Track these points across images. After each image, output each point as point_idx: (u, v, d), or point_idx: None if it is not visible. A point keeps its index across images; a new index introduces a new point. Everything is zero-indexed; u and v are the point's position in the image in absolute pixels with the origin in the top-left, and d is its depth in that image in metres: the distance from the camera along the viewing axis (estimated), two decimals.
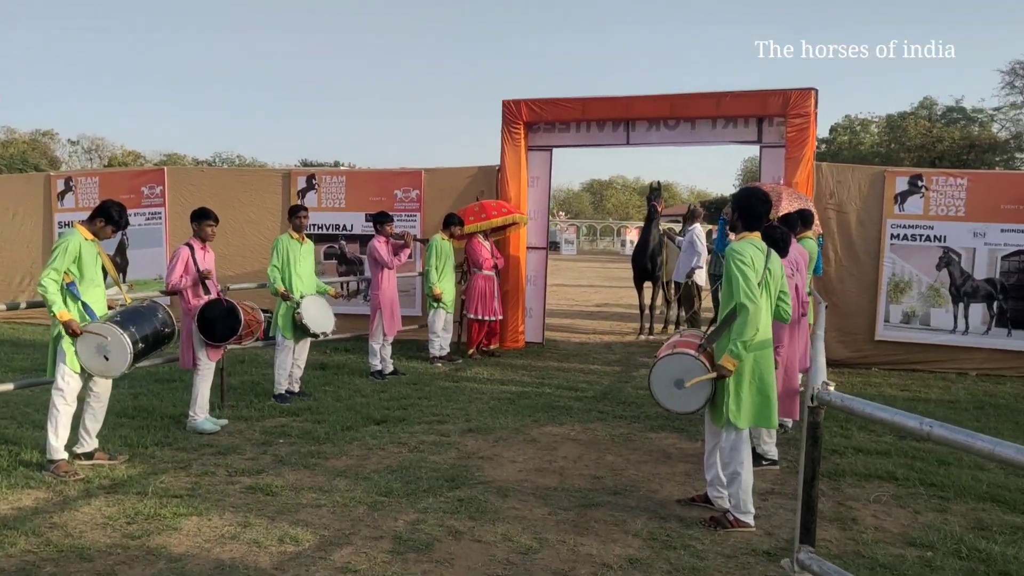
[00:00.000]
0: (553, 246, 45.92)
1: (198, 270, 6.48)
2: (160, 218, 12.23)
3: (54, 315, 5.24)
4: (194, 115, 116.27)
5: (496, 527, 4.55)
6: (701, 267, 11.61)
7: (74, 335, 5.24)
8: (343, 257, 11.76)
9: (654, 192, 12.26)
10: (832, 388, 2.79)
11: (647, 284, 12.58)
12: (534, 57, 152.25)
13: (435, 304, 9.60)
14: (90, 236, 5.48)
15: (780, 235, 5.86)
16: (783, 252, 5.88)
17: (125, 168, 30.70)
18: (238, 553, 4.12)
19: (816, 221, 8.58)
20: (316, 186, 11.77)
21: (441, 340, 9.76)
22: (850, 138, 47.62)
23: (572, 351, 11.10)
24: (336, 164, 54.86)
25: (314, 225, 10.90)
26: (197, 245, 6.61)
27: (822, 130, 49.02)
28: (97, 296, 5.50)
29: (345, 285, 11.68)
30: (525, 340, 11.07)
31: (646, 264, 12.11)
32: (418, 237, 10.47)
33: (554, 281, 14.04)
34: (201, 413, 6.55)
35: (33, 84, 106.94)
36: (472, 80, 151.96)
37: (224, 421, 6.71)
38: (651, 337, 12.31)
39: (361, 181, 11.86)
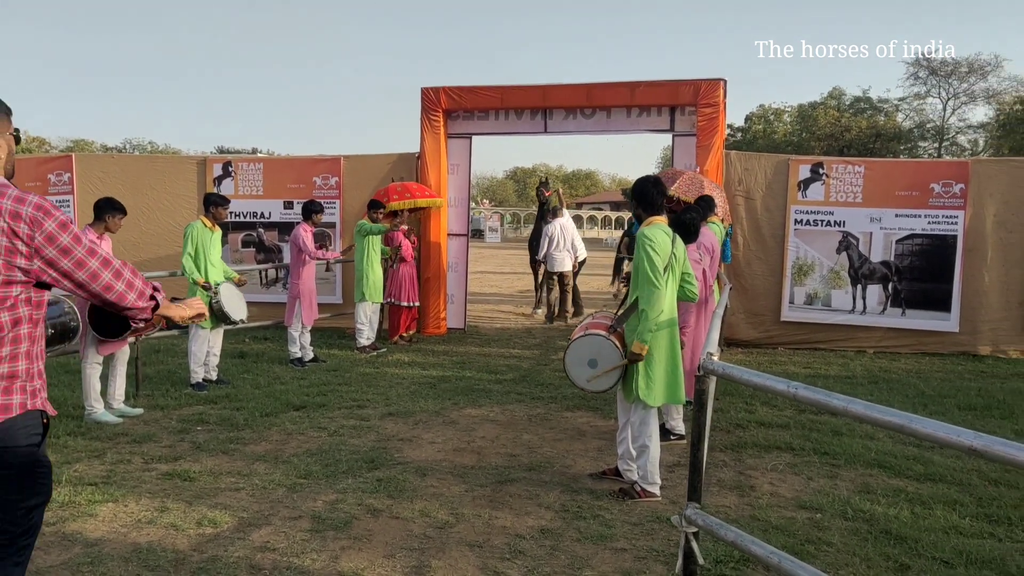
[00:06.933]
0: (477, 234, 46.08)
1: None
2: (69, 206, 11.86)
3: None
4: (101, 102, 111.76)
5: (414, 504, 4.67)
6: (554, 256, 12.47)
7: None
8: (261, 245, 11.64)
9: (544, 184, 13.38)
10: (716, 358, 3.01)
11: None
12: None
13: (364, 293, 9.57)
14: None
15: (690, 219, 6.13)
16: (693, 236, 6.16)
17: (30, 155, 29.36)
18: (155, 536, 4.14)
19: (727, 209, 8.96)
20: (233, 173, 11.60)
21: (368, 330, 9.78)
22: (764, 127, 49.13)
23: (493, 336, 11.27)
24: (254, 151, 53.69)
25: (232, 213, 10.65)
26: (93, 235, 6.44)
27: (738, 119, 50.62)
28: None
29: (263, 273, 11.59)
30: (447, 326, 11.20)
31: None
32: (340, 260, 10.32)
33: (478, 268, 14.25)
34: (98, 405, 6.43)
35: None
36: (391, 67, 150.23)
37: (139, 410, 6.64)
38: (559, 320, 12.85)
39: (279, 168, 11.73)
